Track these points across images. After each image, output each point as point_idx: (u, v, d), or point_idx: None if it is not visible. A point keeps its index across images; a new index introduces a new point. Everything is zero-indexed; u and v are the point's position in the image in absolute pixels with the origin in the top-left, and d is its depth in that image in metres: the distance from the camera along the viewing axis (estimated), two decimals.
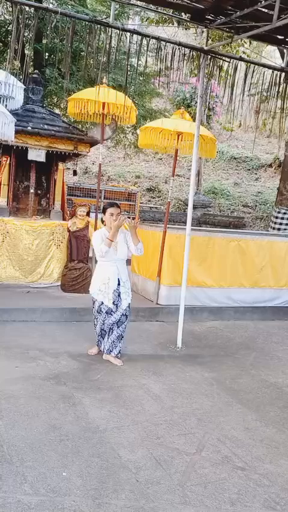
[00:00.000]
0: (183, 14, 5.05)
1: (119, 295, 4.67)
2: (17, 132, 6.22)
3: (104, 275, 4.65)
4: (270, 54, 15.74)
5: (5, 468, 2.75)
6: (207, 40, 5.30)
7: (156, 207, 16.49)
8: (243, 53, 10.81)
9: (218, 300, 7.14)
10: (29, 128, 6.97)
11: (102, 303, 4.65)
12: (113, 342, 4.72)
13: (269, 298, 7.52)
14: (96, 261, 4.89)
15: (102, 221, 4.81)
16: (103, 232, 4.66)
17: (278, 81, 5.40)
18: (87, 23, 4.59)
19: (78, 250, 7.36)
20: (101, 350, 4.84)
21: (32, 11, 4.34)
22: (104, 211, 4.72)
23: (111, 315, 4.67)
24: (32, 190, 7.60)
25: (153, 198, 17.94)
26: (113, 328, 4.70)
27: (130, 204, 13.12)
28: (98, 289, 4.67)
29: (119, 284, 4.67)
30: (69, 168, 12.96)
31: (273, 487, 2.83)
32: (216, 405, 3.96)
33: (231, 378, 4.62)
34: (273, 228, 13.69)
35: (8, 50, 11.14)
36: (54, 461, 2.87)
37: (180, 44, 4.92)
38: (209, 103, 15.50)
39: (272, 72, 5.38)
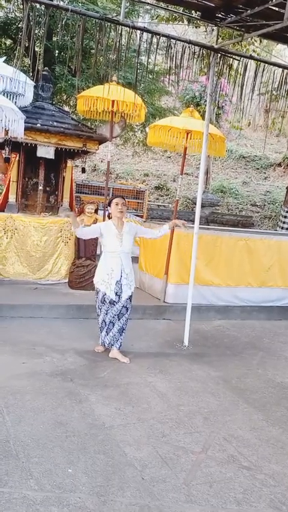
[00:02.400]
0: (193, 12, 5.03)
1: (121, 287, 4.69)
2: (26, 129, 6.24)
3: (107, 266, 4.69)
4: (281, 52, 15.64)
5: (12, 463, 2.77)
6: (218, 38, 5.27)
7: (164, 205, 16.46)
8: (254, 51, 10.75)
9: (225, 298, 7.12)
10: (39, 125, 6.98)
11: (106, 293, 4.69)
12: (114, 335, 4.74)
13: (276, 297, 7.49)
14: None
15: (109, 217, 4.85)
16: (107, 225, 4.74)
17: None
18: (97, 20, 4.59)
19: (86, 247, 7.38)
20: (106, 346, 4.85)
21: (43, 9, 4.34)
22: (109, 204, 4.79)
23: (114, 305, 4.70)
24: (40, 187, 7.63)
25: (162, 196, 17.92)
26: (113, 321, 4.73)
27: (138, 202, 13.12)
28: (102, 279, 4.71)
29: (121, 276, 4.69)
30: (77, 166, 12.97)
31: (279, 487, 2.83)
32: (223, 404, 3.96)
33: (237, 377, 4.62)
34: (282, 228, 13.63)
35: (18, 47, 11.17)
36: (60, 458, 2.89)
37: (190, 42, 4.91)
38: (218, 101, 15.42)
39: (282, 71, 5.35)
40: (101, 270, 4.76)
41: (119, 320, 4.74)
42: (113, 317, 4.72)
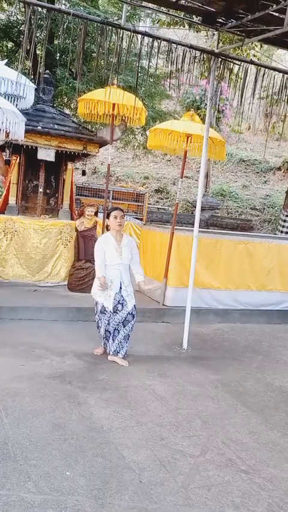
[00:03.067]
0: (194, 16, 5.06)
1: (123, 297, 4.70)
2: (27, 131, 6.26)
3: (107, 278, 4.67)
4: (281, 57, 15.69)
5: (10, 466, 2.77)
6: (218, 43, 5.29)
7: (164, 208, 16.48)
8: (254, 56, 10.79)
9: (224, 302, 7.13)
10: (39, 128, 7.00)
11: (104, 304, 4.69)
12: (120, 342, 4.72)
13: (276, 301, 7.49)
14: None
15: (107, 228, 4.86)
16: (105, 239, 4.73)
17: None
18: (99, 24, 4.61)
19: (85, 250, 7.38)
20: (107, 351, 4.85)
21: (45, 12, 4.36)
22: (108, 216, 4.78)
23: (117, 313, 4.68)
24: (40, 190, 7.64)
25: (161, 199, 17.94)
26: (118, 329, 4.71)
27: (138, 205, 13.13)
28: (100, 291, 4.70)
29: (121, 288, 4.70)
30: (78, 168, 13.00)
31: (277, 491, 2.82)
32: (221, 408, 3.96)
33: (236, 381, 4.62)
34: (281, 231, 13.64)
35: (20, 50, 11.21)
36: (58, 460, 2.89)
37: (191, 47, 4.93)
38: (218, 105, 15.46)
39: (283, 75, 5.37)
40: (97, 281, 4.74)
41: (124, 327, 4.71)
42: (118, 324, 4.70)
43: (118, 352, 4.73)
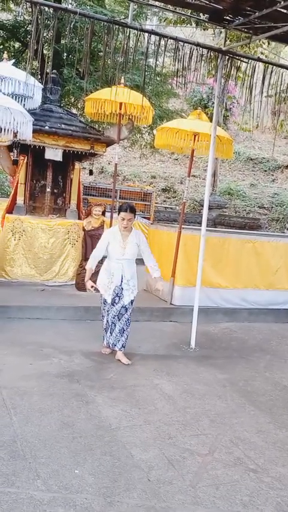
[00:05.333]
0: (201, 14, 5.04)
1: (122, 291, 4.72)
2: (34, 131, 6.27)
3: (109, 271, 4.74)
4: None
5: (19, 464, 2.78)
6: (225, 40, 5.27)
7: (171, 208, 16.48)
8: (262, 53, 10.73)
9: (232, 301, 7.11)
10: (47, 128, 7.02)
11: (103, 297, 4.79)
12: (116, 335, 4.75)
13: (284, 300, 7.45)
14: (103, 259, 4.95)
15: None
16: (113, 232, 4.76)
17: None
18: (105, 23, 4.61)
19: (93, 249, 7.36)
20: (110, 347, 4.86)
21: (51, 12, 4.37)
22: (118, 212, 4.75)
23: (114, 306, 4.74)
24: (48, 189, 7.66)
25: (169, 198, 17.93)
26: (115, 322, 4.75)
27: (145, 204, 13.14)
28: (102, 283, 4.78)
29: (122, 281, 4.71)
30: (85, 168, 13.02)
31: (285, 490, 2.81)
32: (229, 407, 3.95)
33: (244, 380, 4.60)
34: None
35: (28, 50, 11.24)
36: (67, 459, 2.89)
37: (198, 45, 4.92)
38: (226, 104, 15.42)
39: None
40: (103, 274, 4.82)
41: (119, 320, 4.74)
42: (114, 317, 4.74)
43: (115, 345, 4.75)
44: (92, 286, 4.72)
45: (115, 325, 4.75)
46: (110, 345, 4.81)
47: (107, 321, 4.79)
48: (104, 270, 4.83)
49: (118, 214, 4.73)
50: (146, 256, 4.86)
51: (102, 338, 4.92)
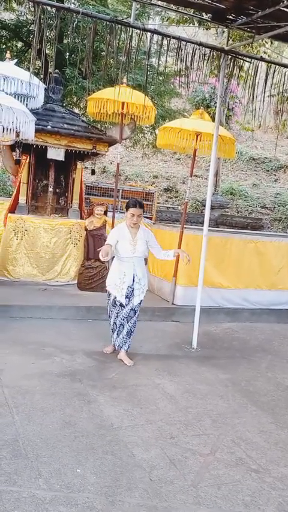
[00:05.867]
0: (204, 13, 5.04)
1: (132, 291, 4.67)
2: (37, 131, 6.28)
3: (120, 270, 4.66)
4: None
5: (21, 463, 2.79)
6: (228, 40, 5.26)
7: (173, 207, 16.46)
8: (264, 53, 10.72)
9: (234, 301, 7.10)
10: (49, 127, 7.03)
11: (116, 297, 4.68)
12: (123, 337, 4.73)
13: (286, 300, 7.44)
14: (112, 258, 4.89)
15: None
16: (121, 229, 4.66)
17: None
18: (108, 23, 4.61)
19: (95, 249, 7.39)
20: (116, 348, 4.86)
21: (54, 11, 4.37)
22: (126, 208, 4.66)
23: (124, 308, 4.69)
24: (50, 189, 7.67)
25: (171, 198, 17.92)
26: (123, 324, 4.72)
27: (147, 204, 13.10)
28: (114, 283, 4.68)
29: (133, 280, 4.67)
30: (87, 167, 13.04)
31: (287, 491, 2.81)
32: (231, 407, 3.95)
33: (246, 380, 4.60)
34: None
35: (30, 50, 11.25)
36: (69, 458, 2.90)
37: (200, 44, 4.91)
38: (228, 103, 15.42)
39: None
40: (114, 274, 4.72)
41: (127, 322, 4.73)
42: (123, 319, 4.71)
43: (121, 347, 4.74)
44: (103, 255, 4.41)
45: (123, 327, 4.72)
46: (116, 346, 4.80)
47: (115, 323, 4.75)
48: (114, 270, 4.74)
49: (126, 210, 4.64)
50: (156, 250, 4.82)
51: (110, 339, 4.88)
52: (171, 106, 14.89)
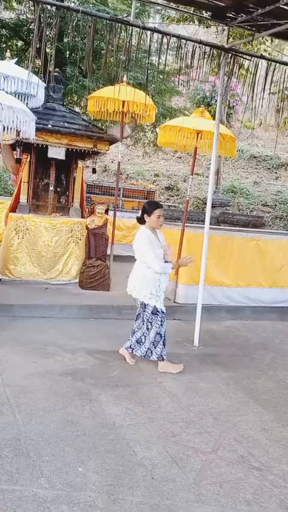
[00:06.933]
0: (204, 12, 5.03)
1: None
2: (37, 130, 6.27)
3: (155, 278, 4.42)
4: None
5: (22, 462, 2.79)
6: (228, 38, 5.25)
7: (174, 206, 16.46)
8: (265, 51, 10.70)
9: (235, 299, 7.10)
10: (50, 126, 7.02)
11: (156, 306, 4.46)
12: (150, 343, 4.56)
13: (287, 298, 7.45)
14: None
15: (141, 220, 4.51)
16: (149, 236, 4.43)
17: None
18: (108, 21, 4.61)
19: (96, 247, 7.41)
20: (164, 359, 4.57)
21: (54, 10, 4.37)
22: (148, 213, 4.43)
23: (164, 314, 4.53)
24: (51, 188, 7.66)
25: (172, 196, 17.91)
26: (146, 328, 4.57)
27: None
28: (150, 293, 4.43)
29: (165, 286, 4.56)
30: (88, 166, 13.03)
31: None
32: (233, 405, 3.95)
33: (248, 378, 4.60)
34: None
35: (30, 49, 11.24)
36: (71, 456, 2.90)
37: (200, 42, 4.90)
38: (229, 101, 15.38)
39: None
40: (147, 283, 4.43)
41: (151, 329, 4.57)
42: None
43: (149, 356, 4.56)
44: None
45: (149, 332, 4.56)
46: (156, 358, 4.53)
47: (158, 333, 4.49)
48: (146, 279, 4.43)
49: (151, 213, 4.41)
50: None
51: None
52: (172, 104, 14.88)
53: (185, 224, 6.88)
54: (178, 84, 12.96)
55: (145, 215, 4.46)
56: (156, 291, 4.46)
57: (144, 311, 4.51)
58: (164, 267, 4.39)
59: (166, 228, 7.59)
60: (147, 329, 4.54)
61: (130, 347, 4.62)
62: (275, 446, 3.31)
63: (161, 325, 4.51)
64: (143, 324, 4.56)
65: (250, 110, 5.24)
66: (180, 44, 4.80)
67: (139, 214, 4.54)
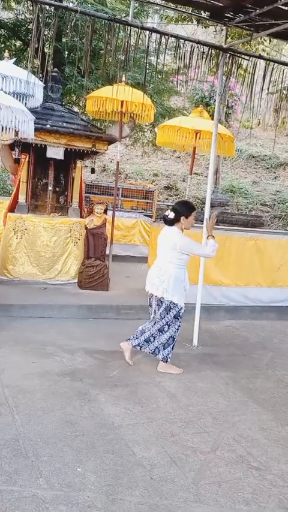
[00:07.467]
0: (202, 12, 5.03)
1: None
2: (36, 130, 6.27)
3: (185, 279, 4.49)
4: None
5: (21, 462, 2.79)
6: (226, 38, 5.25)
7: None
8: (263, 50, 10.70)
9: (234, 298, 7.10)
10: (48, 126, 7.02)
11: (182, 307, 4.49)
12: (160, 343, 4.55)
13: (286, 297, 7.45)
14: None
15: (174, 221, 4.46)
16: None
17: None
18: (106, 21, 4.61)
19: (95, 247, 7.40)
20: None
21: (52, 10, 4.37)
22: (186, 215, 4.42)
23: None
24: (50, 188, 7.66)
25: (171, 196, 17.91)
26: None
27: (147, 202, 13.13)
28: (181, 295, 4.46)
29: None
30: (87, 166, 13.02)
31: None
32: (232, 404, 3.95)
33: (247, 378, 4.60)
34: None
35: (29, 49, 11.24)
36: (69, 457, 2.90)
37: (199, 42, 4.91)
38: (227, 101, 15.40)
39: None
40: (179, 284, 4.44)
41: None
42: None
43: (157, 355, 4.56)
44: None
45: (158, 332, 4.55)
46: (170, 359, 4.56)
47: (172, 336, 4.51)
48: (177, 280, 4.42)
49: (189, 215, 4.42)
50: None
51: (168, 356, 4.54)
52: (171, 104, 14.87)
53: None
54: (177, 84, 12.95)
55: (182, 217, 4.42)
56: (184, 290, 4.50)
57: (168, 313, 4.45)
58: (215, 246, 4.49)
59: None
60: (160, 331, 4.48)
61: (138, 345, 4.57)
62: (274, 446, 3.31)
63: (177, 329, 4.51)
64: (156, 324, 4.50)
65: (249, 110, 5.25)
66: (178, 44, 4.81)
67: (171, 215, 4.44)
